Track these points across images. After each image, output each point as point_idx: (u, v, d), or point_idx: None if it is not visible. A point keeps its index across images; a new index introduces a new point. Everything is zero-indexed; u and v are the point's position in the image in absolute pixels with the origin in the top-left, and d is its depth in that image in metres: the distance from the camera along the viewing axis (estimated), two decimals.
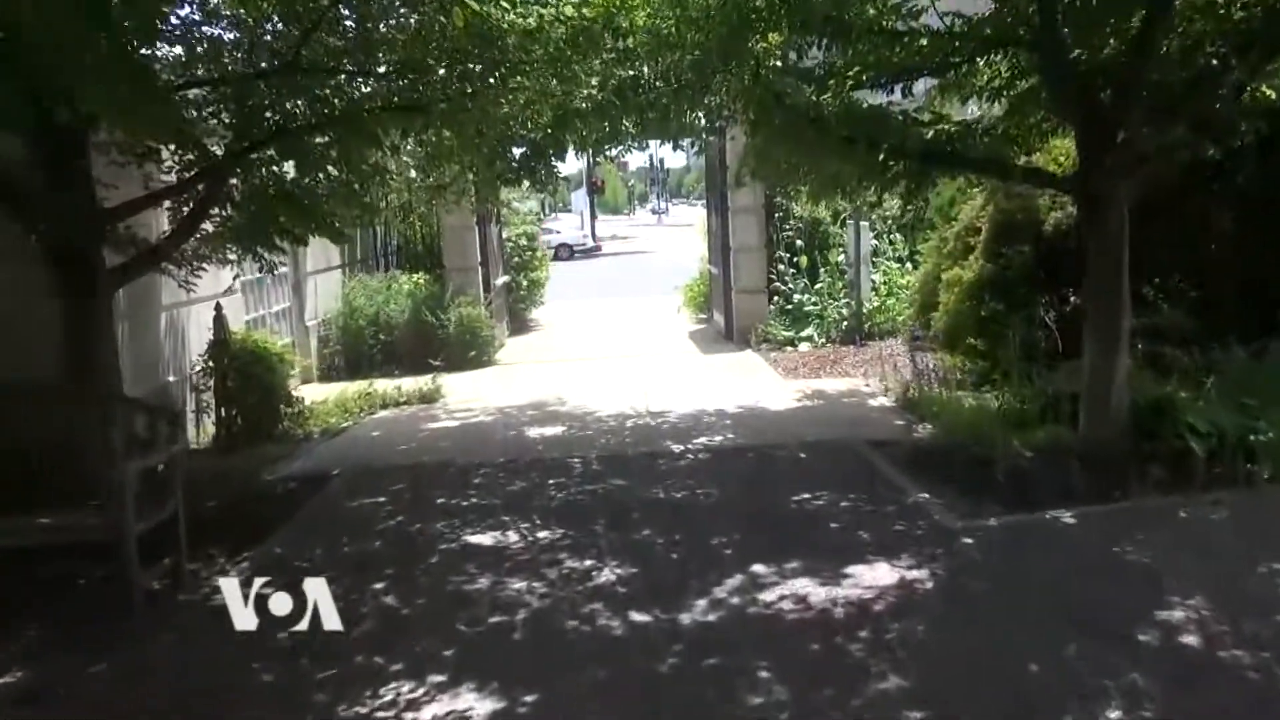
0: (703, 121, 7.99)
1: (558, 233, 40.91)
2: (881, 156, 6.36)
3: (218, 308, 8.91)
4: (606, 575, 5.00)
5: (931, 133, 6.57)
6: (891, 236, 13.64)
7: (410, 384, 10.86)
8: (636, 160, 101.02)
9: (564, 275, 28.24)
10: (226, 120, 6.71)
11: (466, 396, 10.63)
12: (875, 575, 4.75)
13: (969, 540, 5.20)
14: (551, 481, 6.90)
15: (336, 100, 6.87)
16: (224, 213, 7.26)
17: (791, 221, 13.65)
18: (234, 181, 7.06)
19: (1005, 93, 6.95)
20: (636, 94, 6.79)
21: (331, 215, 8.11)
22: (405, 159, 8.96)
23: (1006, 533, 5.32)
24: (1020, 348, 9.02)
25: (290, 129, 6.74)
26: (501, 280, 14.60)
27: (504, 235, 15.50)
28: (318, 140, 7.40)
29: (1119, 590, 4.48)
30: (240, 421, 8.87)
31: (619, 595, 4.74)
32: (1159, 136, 5.98)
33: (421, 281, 13.95)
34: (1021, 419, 7.40)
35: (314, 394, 10.82)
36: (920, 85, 7.04)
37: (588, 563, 5.18)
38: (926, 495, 6.02)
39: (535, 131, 7.19)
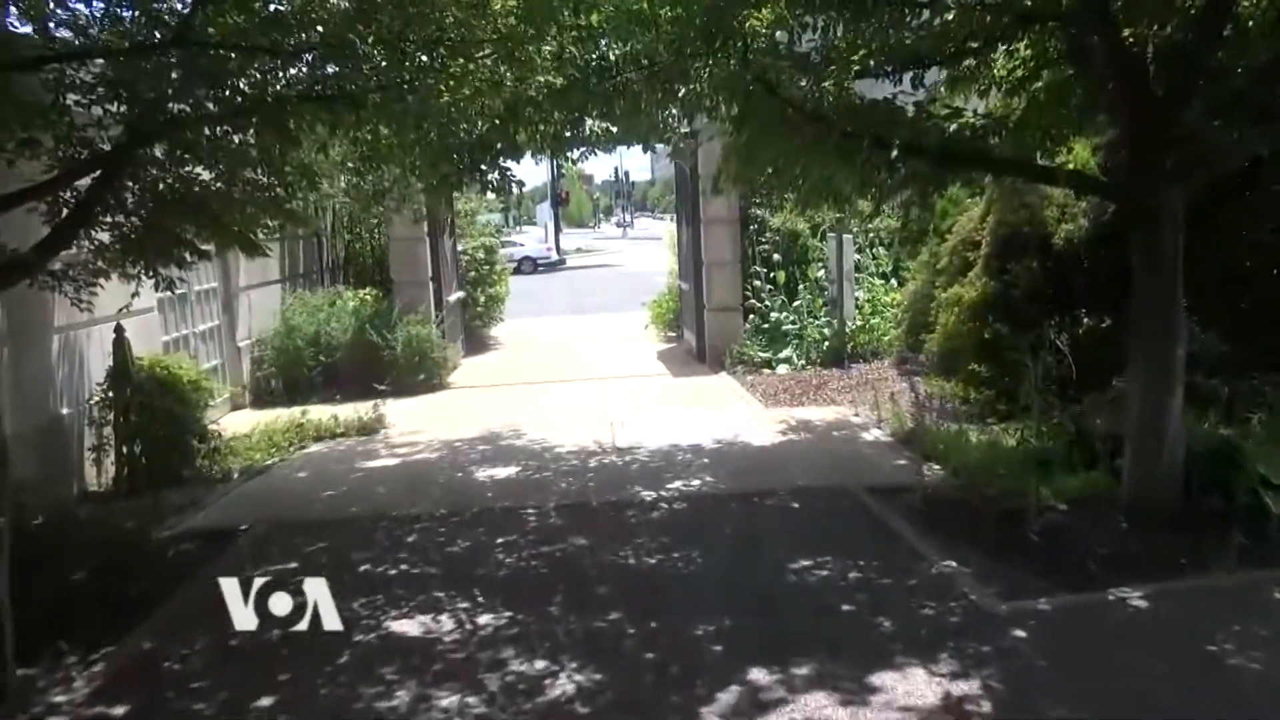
0: (677, 119, 6.88)
1: (520, 245, 39.72)
2: (894, 155, 5.29)
3: (118, 330, 7.64)
4: (563, 685, 3.84)
5: (954, 127, 5.51)
6: (874, 251, 12.64)
7: (351, 411, 9.62)
8: (602, 172, 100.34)
9: (526, 290, 27.03)
10: (113, 109, 5.50)
11: (412, 427, 9.42)
12: (911, 689, 3.64)
13: (1021, 633, 4.10)
14: (500, 541, 5.73)
15: (245, 86, 5.67)
16: (115, 219, 6.06)
17: (768, 234, 12.60)
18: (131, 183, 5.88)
19: (1027, 85, 5.94)
20: (601, 80, 5.66)
21: (247, 224, 6.93)
22: (335, 159, 7.77)
23: (1066, 620, 4.24)
24: (1021, 376, 8.06)
25: (186, 119, 5.55)
26: (455, 296, 13.40)
27: (459, 248, 14.30)
28: (228, 136, 6.29)
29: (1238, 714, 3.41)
30: (144, 461, 7.61)
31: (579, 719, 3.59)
32: (1223, 134, 4.97)
33: (368, 298, 12.72)
34: (1045, 461, 6.37)
35: (242, 423, 9.56)
36: (925, 79, 6.04)
37: (539, 664, 4.03)
38: (952, 563, 4.94)
39: (484, 125, 6.02)
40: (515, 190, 7.30)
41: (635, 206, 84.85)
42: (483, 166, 7.08)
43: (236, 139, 6.45)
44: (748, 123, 6.17)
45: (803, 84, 5.97)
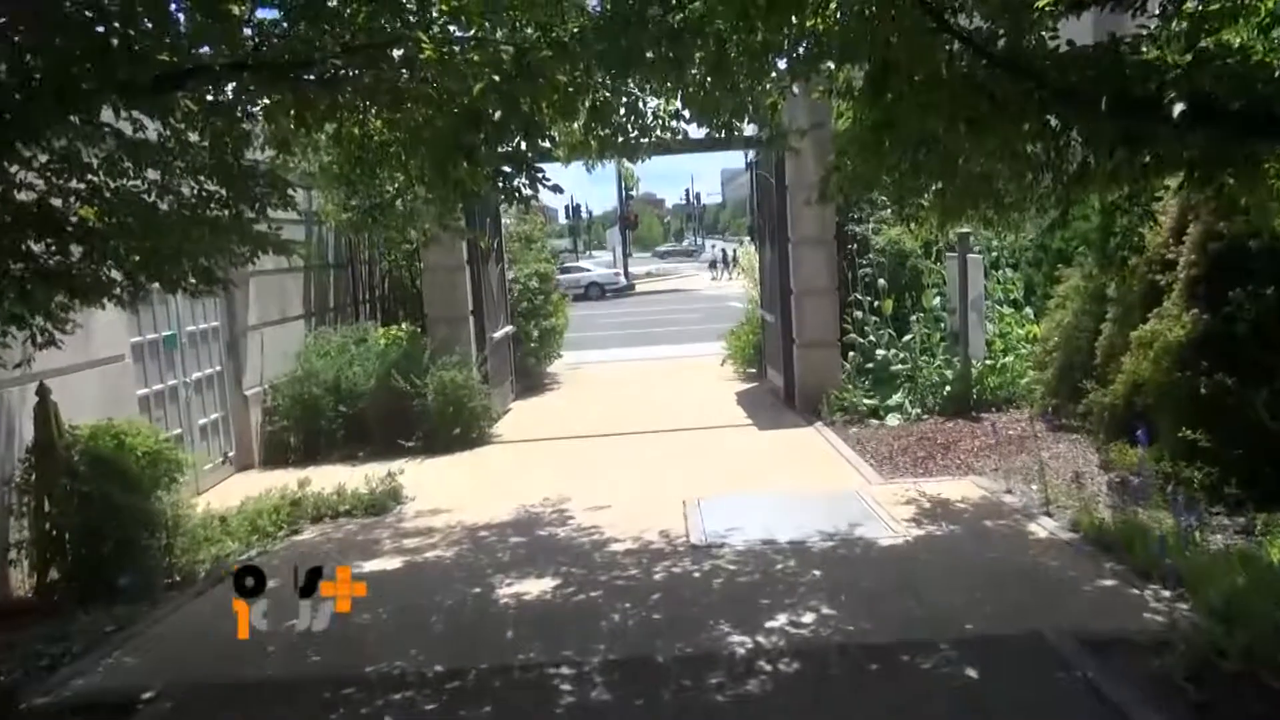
0: (773, 84, 4.70)
1: (587, 270, 37.90)
2: (1175, 119, 3.01)
3: (40, 392, 5.76)
4: None
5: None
6: (1000, 273, 10.22)
7: (364, 478, 7.61)
8: (672, 195, 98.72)
9: (592, 318, 25.11)
10: None
11: (433, 502, 7.36)
12: None
13: None
14: None
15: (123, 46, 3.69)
16: None
17: (870, 255, 10.30)
18: None
19: None
20: (666, 9, 3.51)
21: (197, 252, 5.00)
22: (325, 164, 5.78)
23: None
24: (1261, 446, 5.66)
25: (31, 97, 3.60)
26: (502, 332, 11.38)
27: (509, 276, 12.31)
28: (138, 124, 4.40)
29: None
30: (72, 564, 5.70)
31: None
32: None
33: (400, 335, 10.78)
34: None
35: (239, 492, 7.64)
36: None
37: None
38: None
39: (495, 101, 3.90)
40: (551, 195, 5.19)
41: (706, 230, 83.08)
42: (506, 169, 4.97)
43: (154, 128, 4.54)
44: (891, 81, 3.97)
45: (980, 22, 3.76)
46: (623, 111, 5.08)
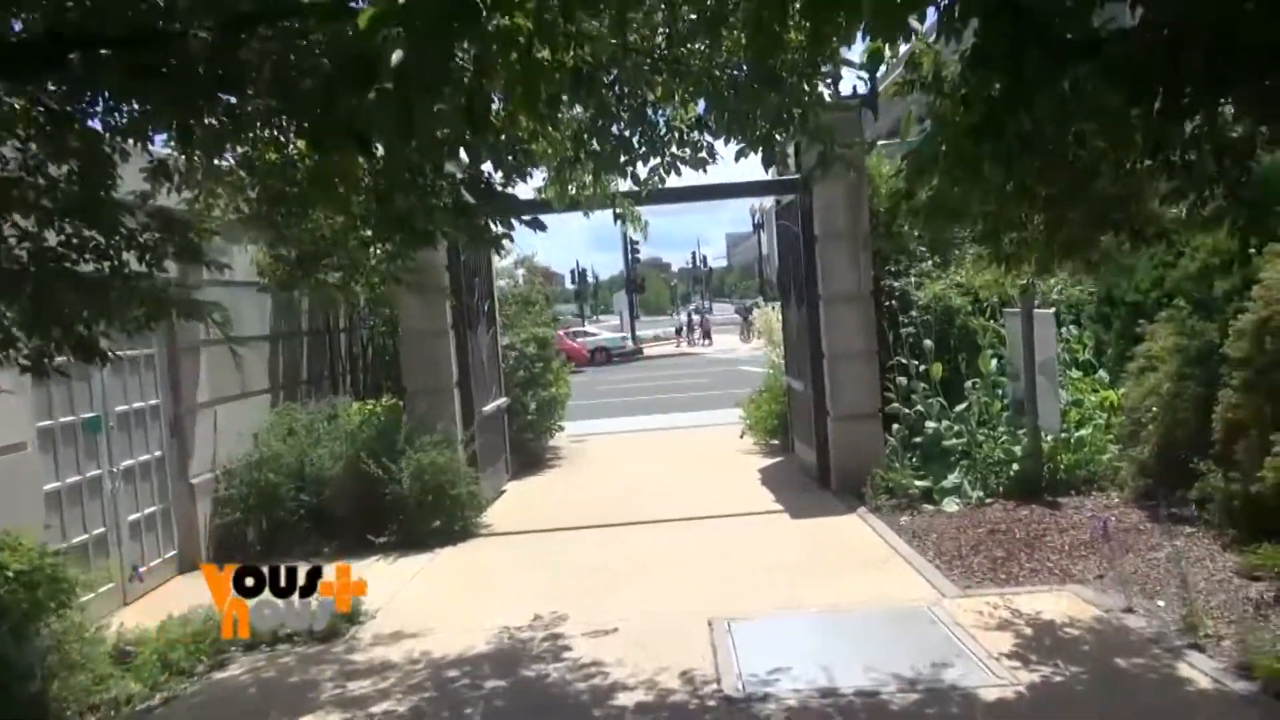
0: (831, 57, 3.35)
1: (594, 335, 36.61)
2: None
3: None
4: None
5: None
6: (1062, 330, 8.78)
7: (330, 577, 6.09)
8: (678, 260, 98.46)
9: (598, 384, 23.71)
10: None
11: (400, 619, 5.85)
12: None
13: None
14: None
15: None
16: None
17: (914, 313, 8.88)
18: None
19: None
20: None
21: (62, 319, 3.66)
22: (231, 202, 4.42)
23: None
24: None
25: None
26: (494, 405, 9.94)
27: (503, 341, 10.93)
28: None
29: None
30: None
31: None
32: None
33: (377, 410, 9.36)
34: None
35: (178, 598, 6.21)
36: None
37: None
38: None
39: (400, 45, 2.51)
40: (526, 232, 3.80)
41: (713, 292, 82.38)
42: (468, 197, 3.59)
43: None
44: (1024, 49, 2.62)
45: None
46: (625, 121, 3.69)
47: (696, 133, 3.99)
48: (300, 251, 4.43)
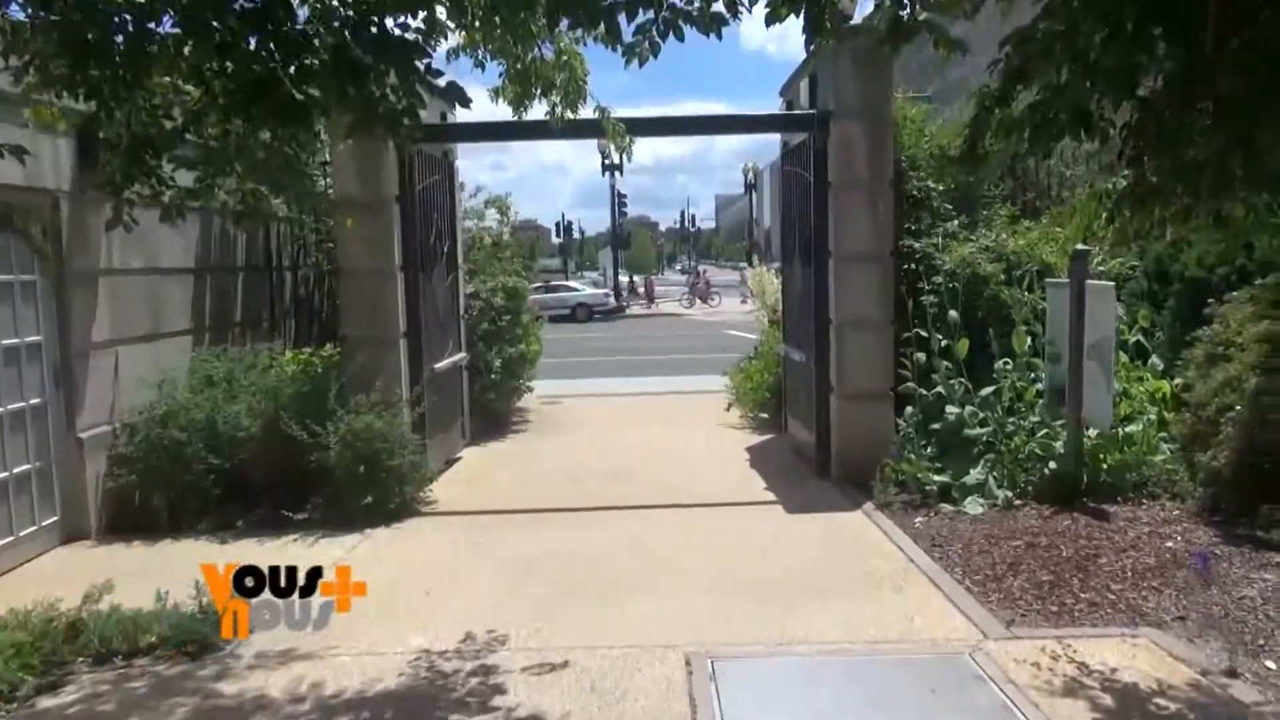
0: None
1: (576, 290, 35.10)
2: None
3: None
4: None
5: None
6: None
7: (229, 563, 4.77)
8: (666, 219, 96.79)
9: (576, 341, 22.36)
10: None
11: (301, 630, 4.55)
12: None
13: None
14: None
15: None
16: None
17: (938, 279, 7.58)
18: None
19: None
20: None
21: None
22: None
23: None
24: None
25: None
26: (450, 361, 8.58)
27: (466, 289, 9.55)
28: None
29: None
30: None
31: None
32: None
33: (314, 361, 8.02)
34: None
35: (55, 575, 5.00)
36: None
37: None
38: None
39: None
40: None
41: (699, 253, 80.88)
42: (357, 52, 2.23)
43: None
44: None
45: None
46: None
47: None
48: (135, 136, 3.03)
